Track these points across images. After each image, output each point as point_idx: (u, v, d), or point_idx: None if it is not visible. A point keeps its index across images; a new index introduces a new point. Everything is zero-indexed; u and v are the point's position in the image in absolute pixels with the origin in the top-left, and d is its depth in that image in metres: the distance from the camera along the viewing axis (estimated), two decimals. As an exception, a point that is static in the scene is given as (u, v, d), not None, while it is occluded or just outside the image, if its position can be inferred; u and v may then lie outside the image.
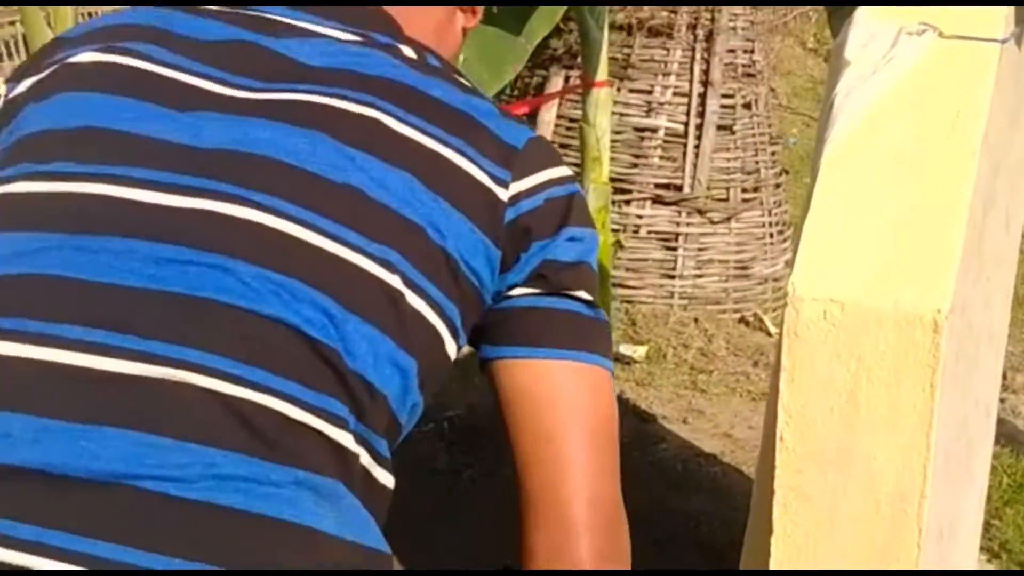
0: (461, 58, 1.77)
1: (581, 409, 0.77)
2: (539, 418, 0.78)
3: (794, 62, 11.01)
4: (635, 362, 3.46)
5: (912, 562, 1.13)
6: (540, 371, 0.77)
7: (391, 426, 0.72)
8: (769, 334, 3.74)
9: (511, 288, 0.76)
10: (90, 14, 3.57)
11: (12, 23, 4.04)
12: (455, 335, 0.75)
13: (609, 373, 0.79)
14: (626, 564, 0.80)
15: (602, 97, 2.75)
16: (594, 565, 0.75)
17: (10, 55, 4.03)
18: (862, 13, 1.21)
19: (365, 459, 0.68)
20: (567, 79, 3.88)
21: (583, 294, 0.79)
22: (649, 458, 2.90)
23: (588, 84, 2.73)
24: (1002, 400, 2.78)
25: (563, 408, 0.77)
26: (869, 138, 1.15)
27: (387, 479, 0.74)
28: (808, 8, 12.65)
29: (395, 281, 0.67)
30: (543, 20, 1.89)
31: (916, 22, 1.17)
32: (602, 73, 2.74)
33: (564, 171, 0.78)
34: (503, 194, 0.73)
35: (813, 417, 1.13)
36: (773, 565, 1.19)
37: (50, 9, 1.23)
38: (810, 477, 1.16)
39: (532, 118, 3.89)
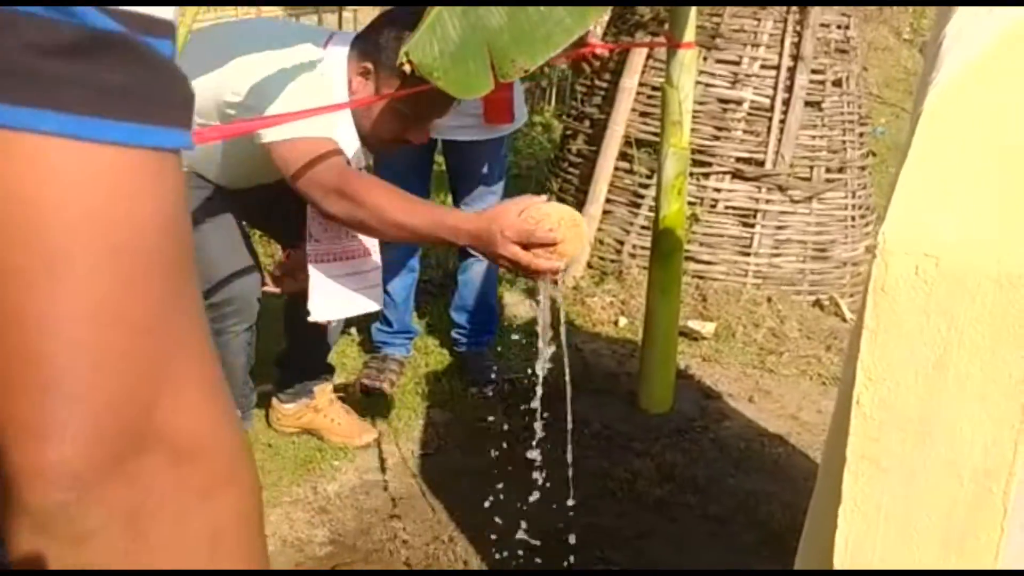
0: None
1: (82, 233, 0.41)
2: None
3: (888, 52, 10.67)
4: (703, 338, 3.38)
5: (994, 545, 1.05)
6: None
7: None
8: (844, 319, 3.61)
9: None
10: None
11: None
12: None
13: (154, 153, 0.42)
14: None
15: (687, 60, 2.66)
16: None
17: None
18: (981, -50, 1.11)
19: None
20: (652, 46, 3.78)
21: None
22: (711, 435, 2.82)
23: (674, 44, 2.63)
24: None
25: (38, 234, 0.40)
26: (978, 82, 1.05)
27: None
28: (906, -5, 12.24)
29: None
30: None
31: (1041, -40, 1.07)
32: (689, 37, 2.64)
33: None
34: None
35: (896, 381, 1.06)
36: (839, 539, 1.12)
37: None
38: (887, 446, 1.08)
39: (614, 84, 3.81)
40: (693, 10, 2.65)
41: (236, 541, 0.48)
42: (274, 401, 2.69)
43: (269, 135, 1.83)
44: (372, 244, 2.13)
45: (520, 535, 2.31)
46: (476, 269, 3.00)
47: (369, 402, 2.91)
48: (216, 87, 1.89)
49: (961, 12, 1.07)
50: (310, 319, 2.09)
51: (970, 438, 1.03)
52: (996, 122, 1.04)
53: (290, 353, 2.64)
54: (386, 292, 3.01)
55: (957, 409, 1.03)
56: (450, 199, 3.14)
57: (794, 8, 3.63)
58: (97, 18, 0.40)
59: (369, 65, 1.96)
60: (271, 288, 2.37)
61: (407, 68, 1.57)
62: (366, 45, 1.98)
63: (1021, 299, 0.97)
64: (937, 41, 1.09)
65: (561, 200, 4.02)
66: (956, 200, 1.02)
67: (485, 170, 2.85)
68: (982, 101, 1.05)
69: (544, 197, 1.75)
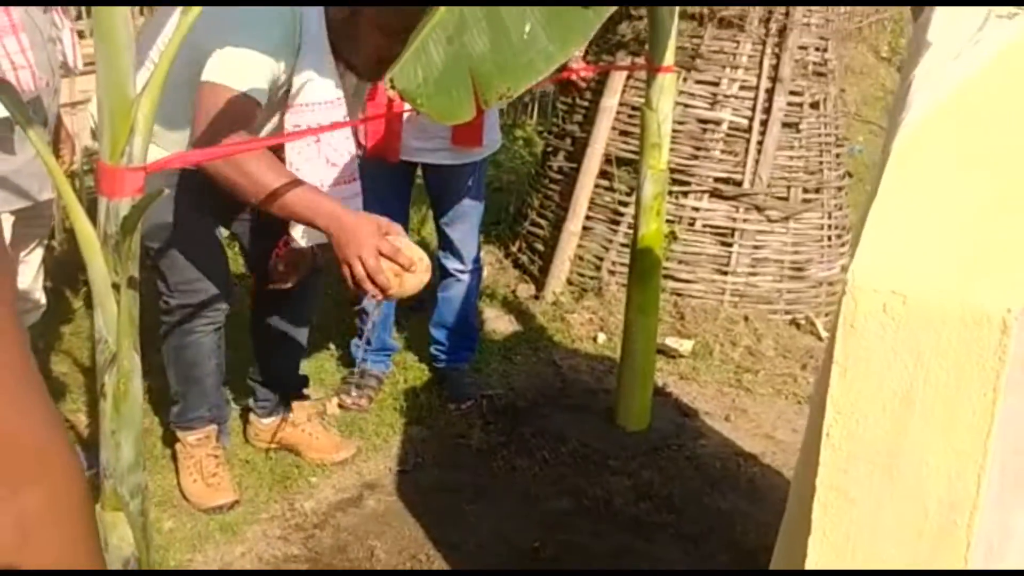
0: (527, 27, 1.73)
1: None
2: None
3: (866, 70, 10.78)
4: (681, 356, 3.41)
5: (957, 575, 1.08)
6: None
7: None
8: (820, 338, 3.65)
9: None
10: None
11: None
12: None
13: None
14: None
15: (667, 83, 2.69)
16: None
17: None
18: (949, -6, 1.15)
19: None
20: (633, 64, 3.81)
21: None
22: (687, 453, 2.84)
23: (654, 68, 2.67)
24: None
25: None
26: (945, 124, 1.08)
27: None
28: (884, 16, 12.40)
29: None
30: (613, -7, 1.83)
31: (1007, 5, 1.10)
32: (669, 60, 2.68)
33: None
34: None
35: (864, 415, 1.08)
36: (809, 567, 1.14)
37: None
38: (855, 478, 1.10)
39: (595, 103, 3.84)
40: (674, 32, 2.69)
41: (49, 536, 0.48)
42: (251, 416, 2.69)
43: (208, 73, 1.85)
44: (352, 169, 2.13)
45: (496, 553, 2.33)
46: (456, 287, 3.02)
47: (347, 418, 2.92)
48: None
49: (930, 55, 1.10)
50: (295, 245, 2.10)
51: (935, 471, 1.06)
52: (962, 164, 1.07)
53: (263, 366, 2.64)
54: (365, 312, 3.03)
55: (923, 443, 1.05)
56: (431, 214, 3.16)
57: (773, 31, 3.68)
58: None
59: None
60: (280, 284, 2.33)
61: (391, 94, 1.59)
62: None
63: (984, 337, 0.99)
64: (907, 82, 1.12)
65: (542, 216, 4.05)
66: (923, 240, 1.04)
67: (463, 192, 2.87)
68: (949, 143, 1.07)
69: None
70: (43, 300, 2.41)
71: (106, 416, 1.42)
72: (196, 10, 1.34)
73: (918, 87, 1.09)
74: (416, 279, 1.78)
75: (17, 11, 1.98)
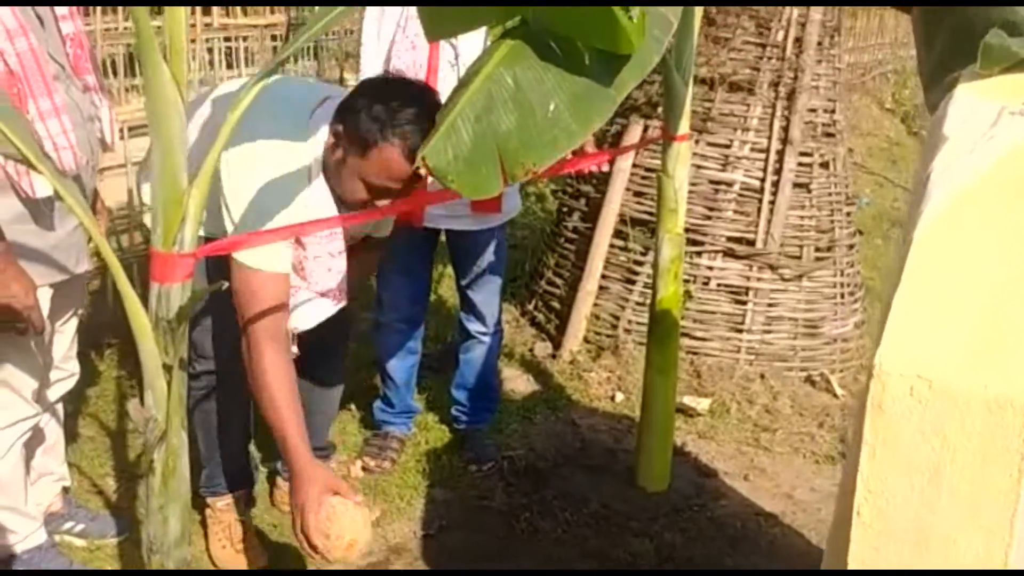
0: (551, 106, 1.80)
1: None
2: None
3: (871, 122, 10.90)
4: (698, 414, 3.44)
5: (987, 649, 1.11)
6: None
7: None
8: (836, 395, 3.68)
9: None
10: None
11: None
12: None
13: None
14: None
15: (682, 150, 2.76)
16: None
17: (115, 73, 4.17)
18: (963, 90, 1.21)
19: None
20: (645, 128, 3.90)
21: None
22: (708, 514, 2.86)
23: (670, 137, 2.74)
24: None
25: None
26: (965, 215, 1.14)
27: None
28: (887, 68, 12.56)
29: None
30: (633, 72, 1.90)
31: (1019, 101, 1.16)
32: (684, 126, 2.75)
33: None
34: None
35: (893, 494, 1.12)
36: (842, 639, 1.18)
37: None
38: (886, 556, 1.14)
39: (610, 164, 3.92)
40: (688, 101, 2.76)
41: None
42: (278, 480, 2.73)
43: (240, 255, 1.97)
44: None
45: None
46: (478, 349, 3.06)
47: (371, 480, 2.95)
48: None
49: (947, 149, 1.16)
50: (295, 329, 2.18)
51: (964, 549, 1.10)
52: (983, 252, 1.12)
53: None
54: (388, 372, 3.07)
55: (951, 522, 1.09)
56: (452, 273, 3.22)
57: (782, 94, 3.77)
58: None
59: (340, 128, 2.02)
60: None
61: (423, 171, 1.65)
62: (343, 110, 2.04)
63: (1008, 420, 1.04)
64: (925, 173, 1.18)
65: (558, 275, 4.11)
66: (947, 326, 1.09)
67: (483, 257, 2.93)
68: (969, 233, 1.13)
69: (358, 498, 1.96)
70: (77, 369, 2.46)
71: (154, 492, 1.46)
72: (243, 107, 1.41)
73: (936, 180, 1.15)
74: (336, 553, 1.84)
75: (60, 93, 2.06)
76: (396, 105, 1.94)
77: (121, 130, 3.60)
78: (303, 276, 2.17)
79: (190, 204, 1.37)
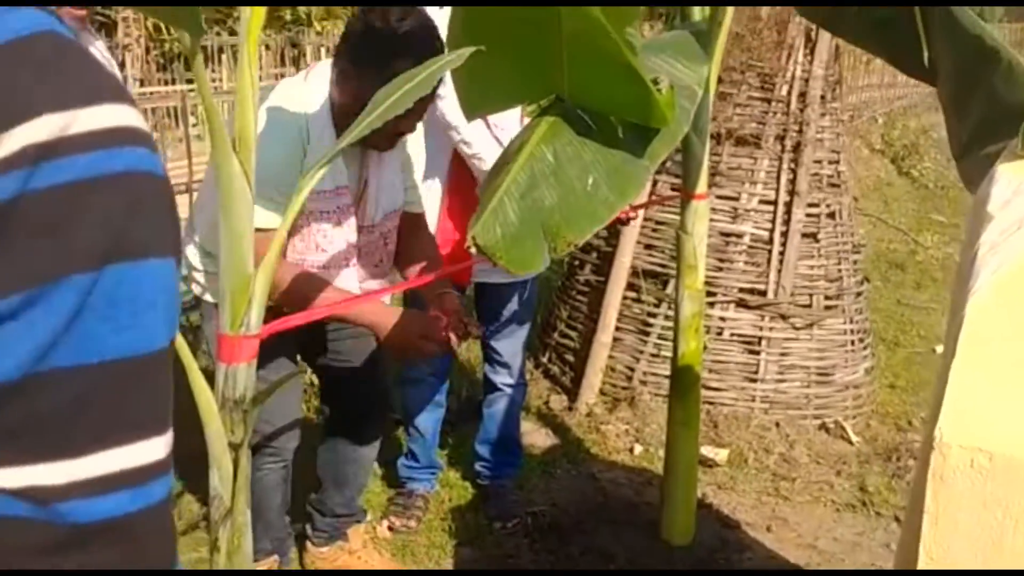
0: (590, 180, 1.86)
1: None
2: None
3: (862, 163, 11.05)
4: (717, 465, 3.47)
5: None
6: None
7: None
8: (851, 442, 3.72)
9: None
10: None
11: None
12: None
13: None
14: None
15: (700, 208, 2.83)
16: None
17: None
18: (1004, 169, 1.27)
19: None
20: (655, 183, 3.98)
21: None
22: (735, 566, 2.88)
23: (688, 195, 2.81)
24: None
25: None
26: (1015, 290, 1.19)
27: None
28: (876, 112, 12.76)
29: None
30: (665, 142, 1.97)
31: (1059, 182, 1.22)
32: (702, 185, 2.82)
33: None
34: None
35: (955, 562, 1.16)
36: None
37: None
38: (950, 620, 1.18)
39: (617, 218, 3.98)
40: (706, 160, 2.84)
41: None
42: (308, 544, 2.74)
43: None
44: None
45: None
46: (502, 402, 3.09)
47: (398, 540, 2.96)
48: None
49: (992, 227, 1.22)
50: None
51: (1028, 615, 1.13)
52: (1033, 327, 1.17)
53: (328, 496, 2.70)
54: (414, 427, 3.10)
55: (1015, 588, 1.13)
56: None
57: (788, 147, 3.86)
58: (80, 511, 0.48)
59: (339, 63, 2.08)
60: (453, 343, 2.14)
61: (473, 250, 1.70)
62: (338, 53, 2.10)
63: (1069, 490, 1.08)
64: (971, 252, 1.23)
65: (571, 327, 4.16)
66: (1004, 398, 1.14)
67: (512, 308, 2.98)
68: (1021, 306, 1.18)
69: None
70: None
71: (219, 568, 1.49)
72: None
73: (983, 256, 1.21)
74: None
75: None
76: (393, 18, 2.01)
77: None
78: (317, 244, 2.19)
79: (256, 288, 1.41)
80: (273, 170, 1.98)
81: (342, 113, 2.10)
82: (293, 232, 2.14)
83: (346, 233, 2.20)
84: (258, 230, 1.96)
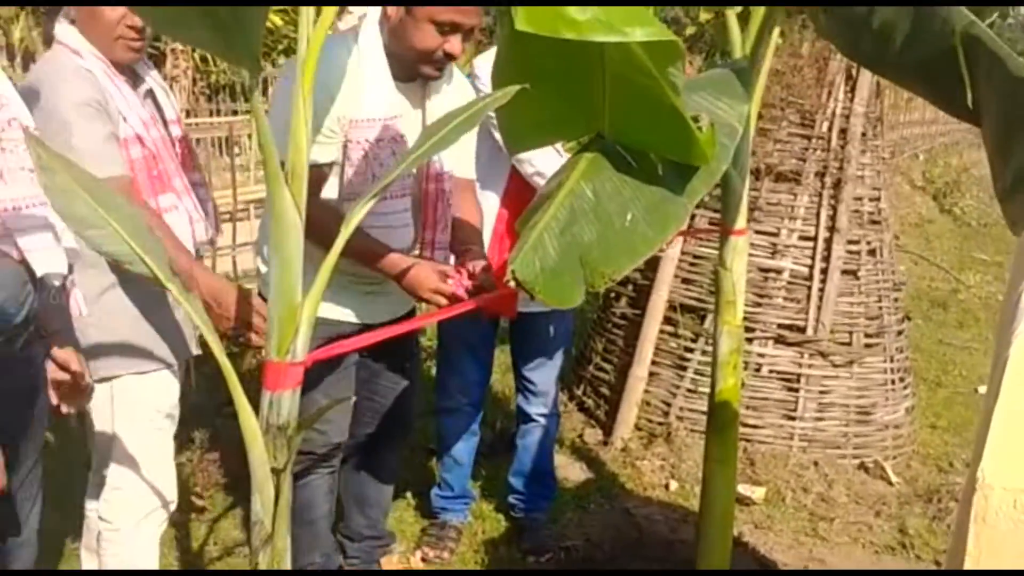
0: (629, 216, 1.88)
1: None
2: None
3: (903, 200, 10.96)
4: (754, 503, 3.43)
5: None
6: None
7: None
8: (890, 483, 3.67)
9: None
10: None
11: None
12: None
13: None
14: None
15: (740, 244, 2.82)
16: None
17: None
18: (1048, 211, 1.27)
19: None
20: (693, 217, 3.98)
21: None
22: (771, 607, 2.85)
23: (727, 231, 2.81)
24: None
25: None
26: (1059, 333, 1.19)
27: None
28: (919, 148, 12.67)
29: None
30: (704, 179, 1.99)
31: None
32: (741, 220, 2.82)
33: None
34: None
35: (1000, 605, 1.15)
36: None
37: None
38: (993, 664, 1.16)
39: (658, 251, 3.99)
40: (745, 196, 2.84)
41: None
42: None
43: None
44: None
45: None
46: (536, 433, 3.09)
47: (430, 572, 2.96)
48: None
49: (1036, 268, 1.22)
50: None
51: (1072, 661, 1.12)
52: (1077, 369, 1.17)
53: (356, 521, 2.71)
54: (450, 456, 3.11)
55: (1059, 634, 1.11)
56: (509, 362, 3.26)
57: (828, 184, 3.85)
58: None
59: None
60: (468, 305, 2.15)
61: (512, 284, 1.72)
62: None
63: (1115, 535, 1.07)
64: (1015, 294, 1.23)
65: (607, 360, 4.16)
66: (1047, 441, 1.13)
67: (548, 337, 2.99)
68: (1063, 350, 1.18)
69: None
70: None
71: (258, 594, 1.51)
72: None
73: (1028, 298, 1.20)
74: None
75: (180, 180, 2.19)
76: None
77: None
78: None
79: (303, 317, 1.45)
80: (328, 92, 2.03)
81: (393, 35, 2.16)
82: (348, 166, 2.19)
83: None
84: (313, 165, 2.00)
